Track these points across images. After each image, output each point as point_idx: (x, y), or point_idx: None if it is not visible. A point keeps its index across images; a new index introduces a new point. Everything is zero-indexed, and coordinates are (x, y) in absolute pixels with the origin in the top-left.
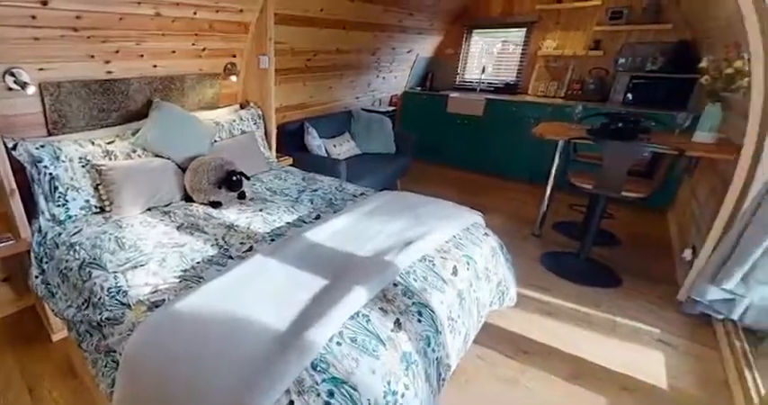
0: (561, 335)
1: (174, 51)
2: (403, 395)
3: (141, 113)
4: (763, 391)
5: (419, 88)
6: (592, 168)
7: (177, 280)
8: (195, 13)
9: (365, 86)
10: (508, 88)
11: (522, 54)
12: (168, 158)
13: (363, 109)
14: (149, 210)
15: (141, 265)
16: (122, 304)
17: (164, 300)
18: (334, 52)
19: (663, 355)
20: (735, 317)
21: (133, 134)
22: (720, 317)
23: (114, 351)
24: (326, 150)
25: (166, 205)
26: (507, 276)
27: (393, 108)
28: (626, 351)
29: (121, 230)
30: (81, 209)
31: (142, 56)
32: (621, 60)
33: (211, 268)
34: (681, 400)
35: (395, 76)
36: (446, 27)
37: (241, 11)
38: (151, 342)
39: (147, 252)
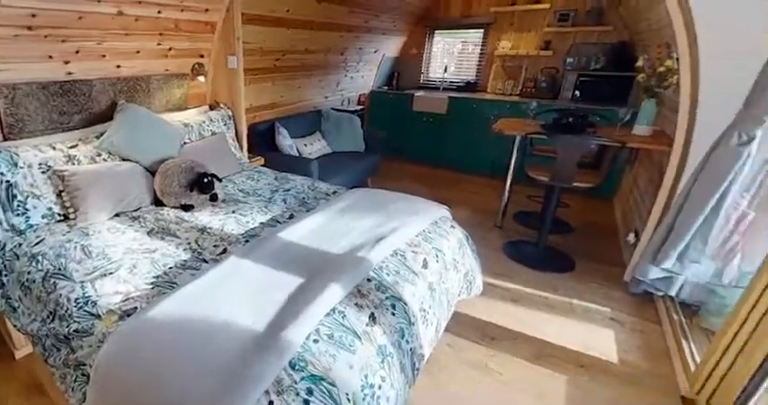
0: (524, 319)
1: (138, 51)
2: (380, 387)
3: (105, 116)
4: (698, 359)
5: (386, 87)
6: (547, 161)
7: (149, 287)
8: (159, 12)
9: (334, 86)
10: (469, 87)
11: (480, 54)
12: (136, 162)
13: (333, 108)
14: (117, 215)
15: (110, 273)
16: (91, 315)
17: (135, 308)
18: (302, 52)
19: (613, 331)
20: (672, 293)
21: (97, 138)
22: (660, 294)
23: (84, 364)
24: (298, 150)
25: (135, 210)
26: (474, 266)
27: (361, 107)
28: (582, 330)
29: (88, 238)
30: (43, 217)
31: (104, 56)
32: (569, 60)
33: (185, 273)
34: (629, 372)
35: (362, 76)
36: (410, 28)
37: (207, 10)
38: (124, 352)
39: (117, 259)
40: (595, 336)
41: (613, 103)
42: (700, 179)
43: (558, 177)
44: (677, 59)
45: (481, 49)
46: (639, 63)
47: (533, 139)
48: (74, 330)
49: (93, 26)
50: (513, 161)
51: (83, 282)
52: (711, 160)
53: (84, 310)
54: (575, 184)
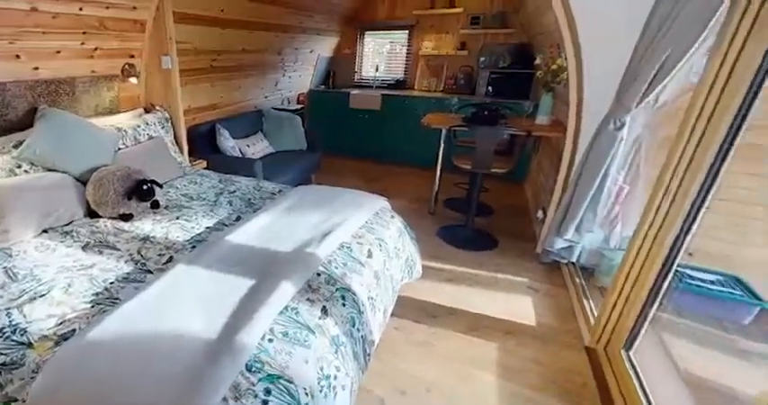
0: (458, 296)
1: (59, 51)
2: (335, 377)
3: (24, 123)
4: (596, 313)
5: (323, 86)
6: (469, 151)
7: (89, 305)
8: (81, 9)
9: (273, 86)
10: (399, 84)
11: (407, 53)
12: (64, 172)
13: (274, 108)
14: (45, 232)
15: (41, 296)
16: (21, 344)
17: (74, 330)
18: (239, 52)
19: (531, 298)
20: (574, 259)
21: (15, 147)
22: (565, 261)
23: (16, 400)
24: (241, 151)
25: (67, 224)
26: (413, 252)
27: (301, 106)
28: (506, 301)
29: (11, 259)
30: None
31: (18, 57)
32: (482, 59)
33: (128, 286)
34: (545, 332)
35: (300, 75)
36: (342, 28)
37: (135, 8)
38: (63, 380)
39: (48, 280)
40: (517, 304)
41: (519, 96)
42: (588, 161)
43: (478, 165)
44: (565, 58)
45: (407, 49)
46: (537, 61)
47: (456, 132)
48: (0, 364)
49: (3, 23)
50: (440, 152)
51: (8, 308)
52: (595, 145)
53: (12, 340)
54: (492, 169)
